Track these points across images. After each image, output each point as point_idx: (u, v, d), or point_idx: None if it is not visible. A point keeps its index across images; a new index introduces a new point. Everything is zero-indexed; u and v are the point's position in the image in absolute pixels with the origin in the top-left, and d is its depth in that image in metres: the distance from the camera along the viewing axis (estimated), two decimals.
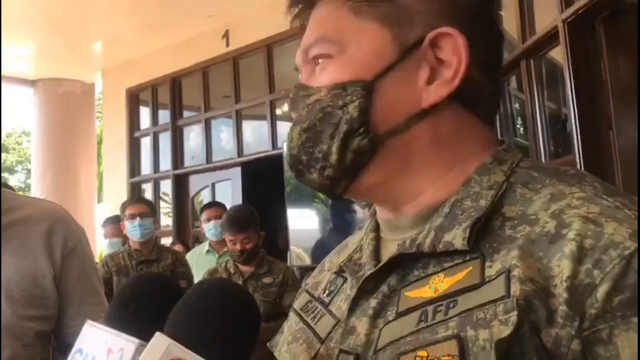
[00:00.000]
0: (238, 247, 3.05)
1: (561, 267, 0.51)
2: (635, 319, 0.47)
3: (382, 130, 0.62)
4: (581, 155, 2.45)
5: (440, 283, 0.57)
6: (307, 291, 0.77)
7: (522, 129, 3.41)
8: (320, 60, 0.66)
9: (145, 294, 0.64)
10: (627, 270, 0.49)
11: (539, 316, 0.50)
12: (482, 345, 0.50)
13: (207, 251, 4.08)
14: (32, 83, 7.52)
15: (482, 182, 0.62)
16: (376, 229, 0.71)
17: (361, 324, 0.61)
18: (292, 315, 0.76)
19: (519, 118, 3.47)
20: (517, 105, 3.45)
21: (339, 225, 4.71)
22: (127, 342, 0.56)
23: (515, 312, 0.50)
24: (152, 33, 6.03)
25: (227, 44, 5.90)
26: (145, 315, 0.61)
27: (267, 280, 3.07)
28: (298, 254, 5.07)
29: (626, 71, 2.44)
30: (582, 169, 2.44)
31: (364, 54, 0.63)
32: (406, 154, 0.64)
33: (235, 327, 0.57)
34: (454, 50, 0.62)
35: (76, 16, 5.72)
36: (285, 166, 4.91)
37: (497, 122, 3.37)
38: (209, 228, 4.03)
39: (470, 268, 0.56)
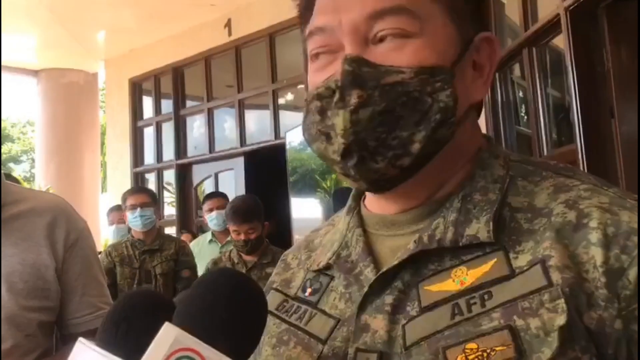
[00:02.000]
0: (242, 237, 3.06)
1: (590, 254, 0.55)
2: None
3: (457, 120, 0.61)
4: (583, 144, 2.44)
5: (465, 276, 0.58)
6: (276, 289, 0.74)
7: (525, 117, 3.41)
8: (391, 35, 0.60)
9: (137, 312, 0.63)
10: None
11: (580, 301, 0.53)
12: (535, 334, 0.52)
13: (210, 241, 4.11)
14: (35, 73, 7.53)
15: (486, 176, 0.64)
16: (360, 224, 0.70)
17: (377, 321, 0.60)
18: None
19: (523, 106, 3.46)
20: (520, 94, 3.44)
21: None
22: None
23: (562, 300, 0.53)
24: (154, 23, 6.02)
25: (230, 34, 5.89)
26: (137, 335, 0.59)
27: (270, 270, 3.08)
28: None
29: (628, 59, 2.43)
30: (584, 157, 2.43)
31: (441, 39, 0.61)
32: (457, 147, 0.64)
33: (244, 317, 0.57)
34: (489, 56, 0.65)
35: (79, 6, 5.72)
36: (289, 156, 4.94)
37: (500, 111, 3.36)
38: (212, 218, 4.05)
39: (495, 260, 0.58)
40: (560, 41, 2.70)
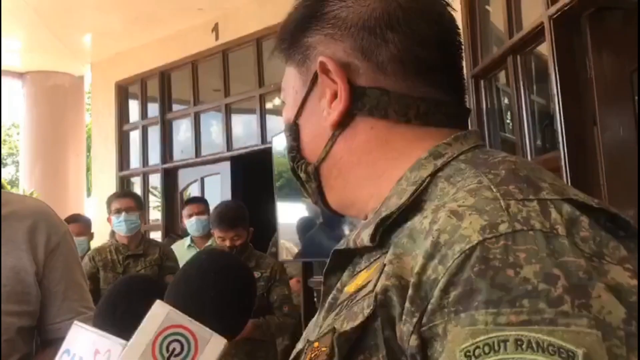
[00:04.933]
0: (227, 243, 3.06)
1: (417, 262, 0.51)
2: (463, 314, 0.46)
3: (314, 159, 0.71)
4: (566, 151, 2.47)
5: (360, 278, 0.60)
6: None
7: (511, 124, 3.43)
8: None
9: (134, 295, 0.65)
10: (464, 265, 0.47)
11: (396, 311, 0.51)
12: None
13: (189, 246, 4.06)
14: (20, 76, 7.47)
15: (409, 179, 0.62)
16: None
17: (319, 318, 0.63)
18: None
19: (509, 113, 3.49)
20: (506, 100, 3.46)
21: (329, 219, 4.72)
22: (114, 344, 0.57)
23: (371, 308, 0.52)
24: (141, 26, 6.00)
25: (217, 38, 5.88)
26: (133, 317, 0.61)
27: (254, 274, 3.08)
28: (288, 248, 5.08)
29: (611, 68, 2.46)
30: (567, 164, 2.46)
31: (290, 96, 0.73)
32: (338, 173, 0.70)
33: (232, 295, 0.60)
34: (335, 72, 0.67)
35: (65, 9, 5.68)
36: (275, 160, 4.94)
37: (485, 118, 3.38)
38: (191, 224, 4.02)
39: (377, 264, 0.58)
40: (545, 49, 2.72)
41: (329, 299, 0.63)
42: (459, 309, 0.46)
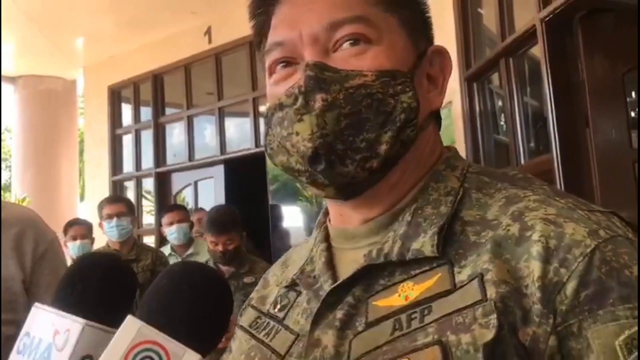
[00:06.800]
0: (220, 248, 3.04)
1: (530, 267, 0.53)
2: (601, 311, 0.50)
3: (419, 124, 0.63)
4: (559, 153, 2.47)
5: (410, 291, 0.57)
6: (252, 306, 0.75)
7: (505, 126, 3.43)
8: (352, 41, 0.61)
9: (93, 273, 0.63)
10: (590, 266, 0.51)
11: (516, 316, 0.52)
12: (465, 349, 0.51)
13: (170, 254, 3.97)
14: (12, 80, 7.43)
15: (439, 189, 0.63)
16: (326, 239, 0.70)
17: (327, 337, 0.59)
18: (240, 333, 0.73)
19: (502, 115, 3.49)
20: (500, 103, 3.47)
21: None
22: (73, 323, 0.56)
23: (495, 315, 0.51)
24: (134, 30, 5.98)
25: (210, 41, 5.87)
26: (93, 296, 0.60)
27: (248, 279, 3.06)
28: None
29: (603, 70, 2.47)
30: (560, 166, 2.46)
31: (398, 47, 0.63)
32: (415, 156, 0.64)
33: (207, 309, 0.57)
34: (441, 68, 0.66)
35: (57, 13, 5.66)
36: (269, 164, 4.93)
37: (478, 120, 3.38)
38: (172, 232, 3.93)
39: (440, 275, 0.57)
40: (538, 51, 2.72)
41: (340, 315, 0.59)
42: (592, 307, 0.50)
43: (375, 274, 0.60)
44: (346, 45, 0.61)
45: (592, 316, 0.50)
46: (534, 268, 0.53)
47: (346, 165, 0.59)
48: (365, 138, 0.59)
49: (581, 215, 0.55)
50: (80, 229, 3.89)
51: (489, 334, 0.50)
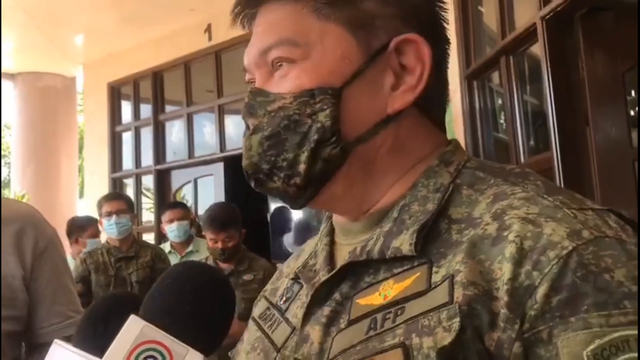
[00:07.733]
0: (219, 245, 3.05)
1: (502, 269, 0.51)
2: (573, 318, 0.47)
3: (352, 138, 0.61)
4: (558, 151, 2.47)
5: (390, 289, 0.57)
6: (265, 297, 0.76)
7: (504, 124, 3.43)
8: (280, 65, 0.63)
9: (115, 314, 0.63)
10: (565, 270, 0.48)
11: (482, 321, 0.50)
12: (426, 353, 0.50)
13: (169, 252, 3.98)
14: (12, 77, 7.42)
15: (428, 185, 0.62)
16: (331, 232, 0.71)
17: (314, 332, 0.60)
18: (251, 323, 0.74)
19: (502, 113, 3.49)
20: (500, 101, 3.47)
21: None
22: None
23: (458, 319, 0.49)
24: (133, 27, 5.97)
25: (210, 38, 5.86)
26: (114, 336, 0.61)
27: (247, 277, 3.07)
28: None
29: (603, 68, 2.46)
30: (560, 164, 2.46)
31: (330, 59, 0.61)
32: (370, 161, 0.63)
33: (209, 309, 0.58)
34: (417, 57, 0.62)
35: (57, 9, 5.65)
36: None
37: (478, 118, 3.38)
38: (172, 229, 3.94)
39: (418, 274, 0.56)
40: (538, 49, 2.72)
41: (327, 312, 0.60)
42: (565, 314, 0.47)
43: (361, 272, 0.60)
44: (277, 67, 0.64)
45: (564, 323, 0.47)
46: (505, 270, 0.50)
47: (274, 182, 0.63)
48: (285, 158, 0.61)
49: (566, 214, 0.52)
50: (94, 229, 3.88)
51: (448, 338, 0.49)
